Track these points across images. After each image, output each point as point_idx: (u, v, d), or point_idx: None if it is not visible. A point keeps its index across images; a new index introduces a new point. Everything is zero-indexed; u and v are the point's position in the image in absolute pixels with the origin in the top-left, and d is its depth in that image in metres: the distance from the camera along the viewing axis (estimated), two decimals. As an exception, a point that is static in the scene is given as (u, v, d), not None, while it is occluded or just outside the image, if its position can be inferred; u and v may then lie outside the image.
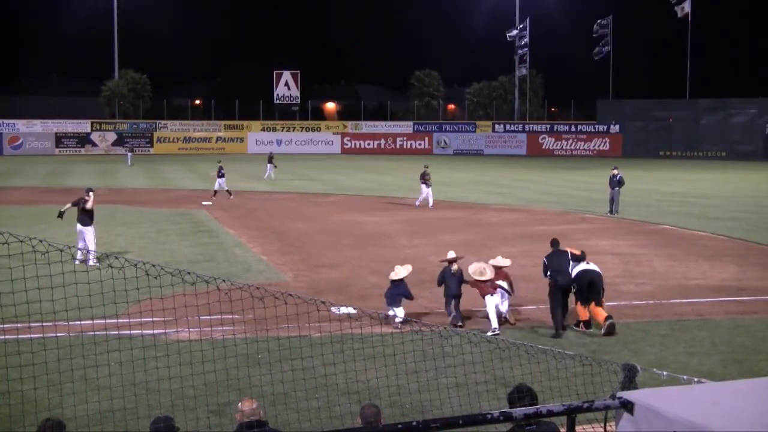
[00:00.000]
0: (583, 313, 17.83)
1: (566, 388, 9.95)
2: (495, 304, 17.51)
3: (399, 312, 17.51)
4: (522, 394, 7.79)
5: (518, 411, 5.11)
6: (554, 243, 18.77)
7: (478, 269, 17.75)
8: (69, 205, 25.56)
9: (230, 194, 44.14)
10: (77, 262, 22.09)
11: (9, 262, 8.61)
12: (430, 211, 39.19)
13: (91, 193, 25.34)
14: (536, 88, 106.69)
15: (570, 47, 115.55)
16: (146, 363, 11.47)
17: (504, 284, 18.02)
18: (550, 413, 5.24)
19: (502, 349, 10.27)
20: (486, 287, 17.53)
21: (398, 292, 17.98)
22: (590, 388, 9.39)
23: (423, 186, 40.54)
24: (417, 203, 40.31)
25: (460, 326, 17.16)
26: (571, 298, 18.09)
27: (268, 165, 60.22)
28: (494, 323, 17.18)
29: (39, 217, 33.31)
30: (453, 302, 18.07)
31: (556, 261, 18.16)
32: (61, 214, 25.22)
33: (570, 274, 17.88)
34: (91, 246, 24.23)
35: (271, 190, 50.44)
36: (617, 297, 20.82)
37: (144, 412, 10.60)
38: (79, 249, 22.23)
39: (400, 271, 18.22)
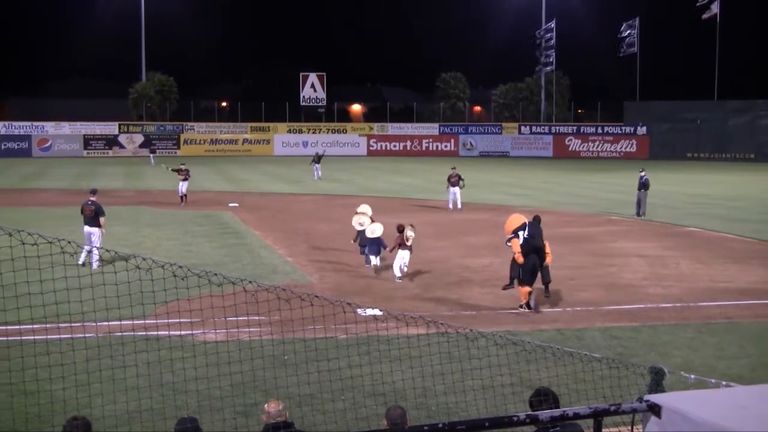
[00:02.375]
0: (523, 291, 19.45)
1: (593, 390, 9.92)
2: (402, 256, 22.73)
3: (376, 261, 23.94)
4: (545, 397, 7.76)
5: (544, 413, 5.11)
6: (536, 218, 20.63)
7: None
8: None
9: (182, 200, 42.15)
10: (81, 264, 22.30)
11: (38, 263, 8.68)
12: (456, 212, 39.15)
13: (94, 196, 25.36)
14: (562, 89, 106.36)
15: (596, 49, 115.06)
16: (173, 364, 11.53)
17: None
18: (577, 416, 5.23)
19: (528, 351, 10.25)
20: (403, 242, 22.80)
21: (378, 245, 23.88)
22: (617, 391, 9.35)
23: (450, 188, 40.56)
24: (455, 207, 40.16)
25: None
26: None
27: (316, 165, 60.70)
28: (397, 273, 22.77)
29: (67, 218, 33.57)
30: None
31: (531, 229, 19.75)
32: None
33: (542, 243, 19.64)
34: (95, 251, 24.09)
35: (297, 191, 50.56)
36: (644, 299, 20.73)
37: (171, 413, 10.65)
38: (92, 249, 22.40)
39: (377, 230, 23.96)
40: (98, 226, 24.50)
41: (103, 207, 25.00)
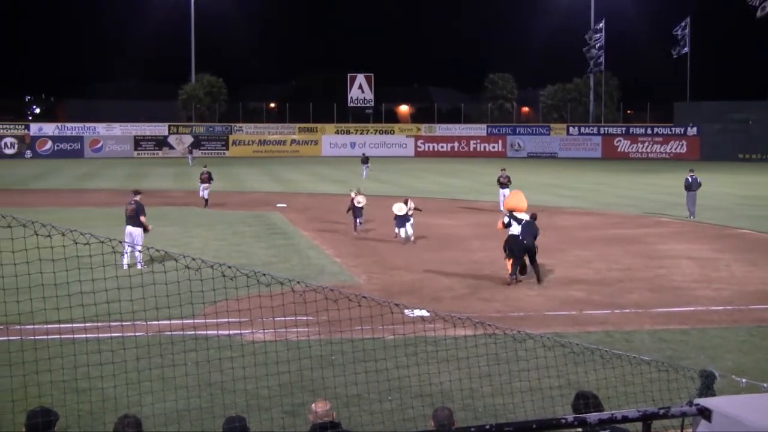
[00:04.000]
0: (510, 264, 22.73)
1: (641, 393, 9.84)
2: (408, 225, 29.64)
3: (402, 232, 29.55)
4: (593, 400, 7.69)
5: (592, 416, 5.08)
6: (533, 216, 23.22)
7: (398, 207, 29.65)
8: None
9: (206, 203, 40.97)
10: (126, 266, 22.52)
11: (90, 262, 8.80)
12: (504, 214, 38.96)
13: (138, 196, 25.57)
14: (611, 90, 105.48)
15: (646, 49, 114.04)
16: (222, 363, 11.63)
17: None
18: (625, 419, 5.20)
19: (576, 353, 10.19)
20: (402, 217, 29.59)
21: (404, 219, 29.46)
22: (666, 395, 9.27)
23: (500, 190, 40.32)
24: (501, 208, 39.78)
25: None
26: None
27: (364, 166, 62.13)
28: (402, 236, 29.61)
29: (119, 218, 33.87)
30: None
31: (525, 230, 22.45)
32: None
33: (533, 244, 22.36)
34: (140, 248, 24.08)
35: (345, 192, 50.58)
36: (694, 302, 20.51)
37: (219, 412, 10.72)
38: (135, 249, 22.72)
39: (403, 209, 29.46)
40: (139, 225, 24.75)
41: (144, 207, 25.19)
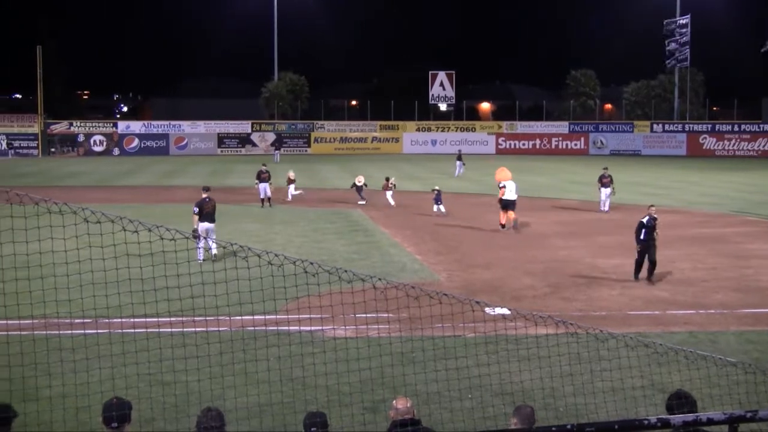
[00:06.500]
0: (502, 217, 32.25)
1: (728, 396, 9.66)
2: (389, 195, 40.20)
3: (442, 208, 36.79)
4: (685, 400, 7.57)
5: (677, 418, 5.01)
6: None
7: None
8: (195, 218, 25.10)
9: (268, 202, 40.59)
10: (202, 260, 22.92)
11: (176, 257, 8.95)
12: (586, 212, 38.57)
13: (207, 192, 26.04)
14: (696, 86, 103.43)
15: (733, 44, 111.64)
16: (303, 359, 11.74)
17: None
18: (711, 422, 5.11)
19: (659, 354, 10.04)
20: (386, 187, 40.68)
21: (440, 197, 36.95)
22: (753, 398, 9.10)
23: (601, 189, 39.64)
24: (604, 208, 39.07)
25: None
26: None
27: (458, 163, 62.41)
28: (392, 202, 39.98)
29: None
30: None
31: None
32: (196, 235, 23.31)
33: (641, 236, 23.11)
34: (213, 242, 24.14)
35: (425, 189, 50.60)
36: (782, 303, 20.03)
37: (300, 407, 10.84)
38: (213, 245, 23.14)
39: (437, 187, 38.54)
40: (215, 221, 25.37)
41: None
